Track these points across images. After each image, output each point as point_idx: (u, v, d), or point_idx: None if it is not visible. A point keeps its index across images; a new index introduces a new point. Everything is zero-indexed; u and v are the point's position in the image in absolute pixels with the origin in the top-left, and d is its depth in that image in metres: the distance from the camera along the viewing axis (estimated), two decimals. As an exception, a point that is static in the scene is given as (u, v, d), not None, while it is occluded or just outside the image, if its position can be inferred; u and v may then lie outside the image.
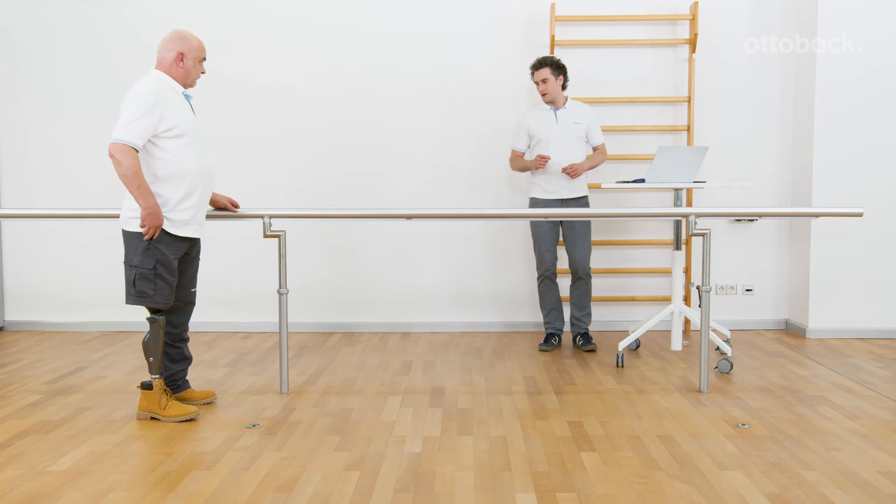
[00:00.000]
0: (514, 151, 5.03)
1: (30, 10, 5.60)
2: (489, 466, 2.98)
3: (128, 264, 3.51)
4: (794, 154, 5.54)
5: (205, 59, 3.65)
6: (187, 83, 3.60)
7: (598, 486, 2.79)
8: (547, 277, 5.01)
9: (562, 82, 4.86)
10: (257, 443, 3.26)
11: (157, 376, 3.57)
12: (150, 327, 3.54)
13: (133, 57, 5.54)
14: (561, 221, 4.96)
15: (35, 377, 4.36)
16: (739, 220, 5.60)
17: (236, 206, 3.89)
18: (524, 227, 5.54)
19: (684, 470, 2.93)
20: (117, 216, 3.61)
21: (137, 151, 3.38)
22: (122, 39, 5.56)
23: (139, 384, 3.65)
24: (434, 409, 3.74)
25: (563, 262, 5.31)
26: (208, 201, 3.72)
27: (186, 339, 3.81)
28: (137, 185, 3.36)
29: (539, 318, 5.51)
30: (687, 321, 5.47)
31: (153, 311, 3.55)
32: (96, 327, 5.71)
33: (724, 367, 4.38)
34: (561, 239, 5.05)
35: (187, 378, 3.85)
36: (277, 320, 4.04)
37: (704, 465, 2.97)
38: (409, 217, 4.06)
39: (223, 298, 5.61)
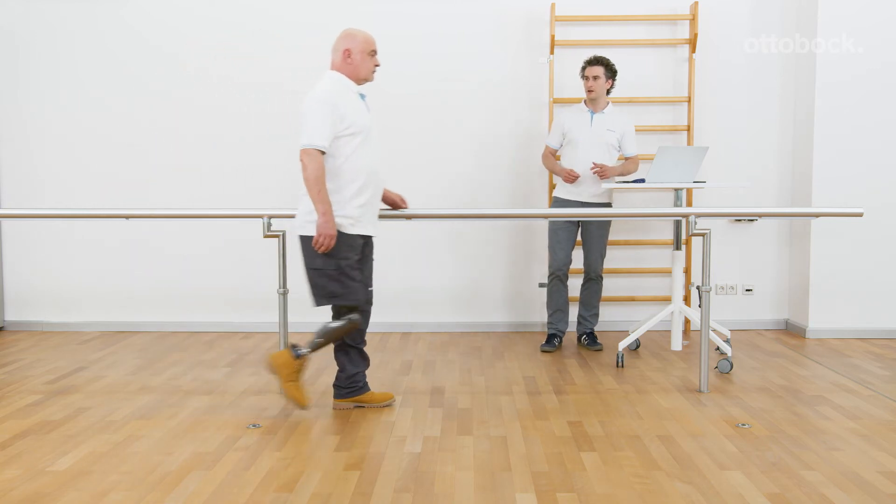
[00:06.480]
0: (547, 147, 5.06)
1: (30, 11, 5.60)
2: (489, 466, 2.98)
3: (309, 268, 3.53)
4: (794, 154, 5.54)
5: (375, 51, 3.63)
6: (360, 78, 3.60)
7: (598, 486, 2.79)
8: (557, 277, 5.00)
9: (609, 86, 4.88)
10: (257, 443, 3.26)
11: (309, 352, 3.55)
12: (344, 321, 3.54)
13: (133, 56, 5.55)
14: (580, 223, 4.97)
15: (35, 377, 4.36)
16: (739, 220, 5.60)
17: (405, 205, 3.93)
18: (525, 228, 5.54)
19: (684, 470, 2.93)
20: (116, 216, 3.58)
21: (324, 153, 3.42)
22: (122, 39, 5.56)
23: (289, 344, 3.63)
24: (434, 409, 3.74)
25: (576, 263, 5.30)
26: (380, 199, 3.74)
27: (365, 342, 3.79)
28: (318, 189, 3.40)
29: (541, 317, 5.51)
30: (687, 321, 5.47)
31: (349, 308, 3.56)
32: (96, 327, 5.71)
33: (724, 367, 4.39)
34: (579, 239, 5.05)
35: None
36: (277, 320, 4.05)
37: (704, 465, 2.97)
38: (409, 217, 4.07)
39: (223, 298, 5.61)
